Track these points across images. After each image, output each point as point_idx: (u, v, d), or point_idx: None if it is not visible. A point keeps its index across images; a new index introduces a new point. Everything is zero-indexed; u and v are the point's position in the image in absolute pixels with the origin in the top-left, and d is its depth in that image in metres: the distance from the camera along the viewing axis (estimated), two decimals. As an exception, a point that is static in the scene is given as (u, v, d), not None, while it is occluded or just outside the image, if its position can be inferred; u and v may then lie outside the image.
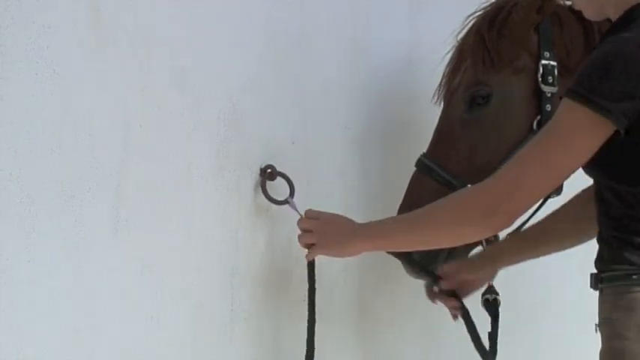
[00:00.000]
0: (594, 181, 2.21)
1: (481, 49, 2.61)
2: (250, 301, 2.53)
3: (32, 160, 2.02)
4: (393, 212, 2.62)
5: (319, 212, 2.45)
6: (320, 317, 2.52)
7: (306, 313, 2.48)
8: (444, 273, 2.64)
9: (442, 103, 2.73)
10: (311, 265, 2.50)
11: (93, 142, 2.15)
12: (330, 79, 2.79)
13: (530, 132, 2.57)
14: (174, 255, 2.35)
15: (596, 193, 2.19)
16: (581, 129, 2.07)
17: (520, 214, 2.21)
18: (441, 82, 2.72)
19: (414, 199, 2.57)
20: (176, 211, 2.35)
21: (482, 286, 2.70)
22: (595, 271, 2.23)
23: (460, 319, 2.66)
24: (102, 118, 2.17)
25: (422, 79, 2.96)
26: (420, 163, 2.63)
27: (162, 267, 2.31)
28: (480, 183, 2.23)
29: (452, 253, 2.61)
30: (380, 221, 2.41)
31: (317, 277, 2.52)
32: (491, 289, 2.68)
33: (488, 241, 2.62)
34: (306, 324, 2.49)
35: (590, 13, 2.25)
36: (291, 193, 2.54)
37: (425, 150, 2.68)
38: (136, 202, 2.25)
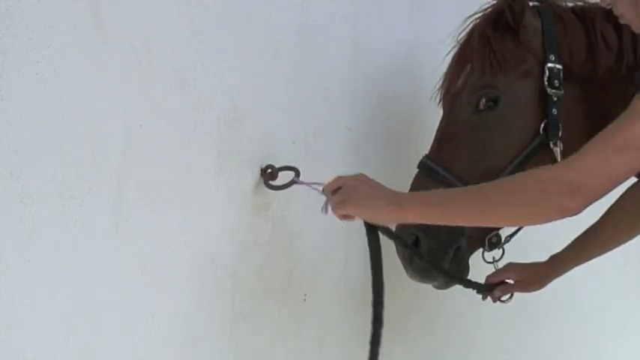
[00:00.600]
0: None
1: (487, 52, 2.59)
2: (250, 301, 2.53)
3: (33, 160, 2.02)
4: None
5: (345, 177, 2.29)
6: (320, 317, 2.52)
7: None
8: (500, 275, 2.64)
9: (442, 105, 2.72)
10: (370, 228, 2.29)
11: (93, 142, 2.15)
12: (331, 79, 2.79)
13: (537, 136, 2.56)
14: (174, 255, 2.35)
15: None
16: None
17: (596, 200, 2.10)
18: (441, 83, 2.71)
19: None
20: (177, 211, 2.35)
21: (527, 291, 2.71)
22: None
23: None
24: (102, 118, 2.17)
25: (422, 79, 2.96)
26: (422, 165, 2.62)
27: (163, 267, 2.31)
28: (555, 165, 2.15)
29: (457, 255, 2.60)
30: (427, 192, 2.29)
31: (317, 277, 2.51)
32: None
33: (491, 243, 2.62)
34: (306, 324, 2.49)
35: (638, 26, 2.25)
36: (297, 175, 2.52)
37: (426, 152, 2.66)
38: (137, 202, 2.25)
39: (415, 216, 2.23)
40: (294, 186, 2.51)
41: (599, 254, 2.80)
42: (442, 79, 2.72)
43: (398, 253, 2.59)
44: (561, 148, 2.54)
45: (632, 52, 2.53)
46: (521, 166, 2.53)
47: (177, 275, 2.35)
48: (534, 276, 2.74)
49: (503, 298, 2.69)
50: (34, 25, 2.03)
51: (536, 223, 2.23)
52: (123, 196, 2.21)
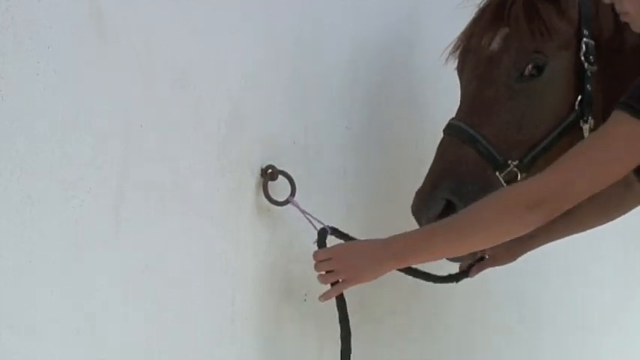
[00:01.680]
0: None
1: (536, 18, 2.50)
2: (251, 301, 2.53)
3: (33, 160, 2.02)
4: (395, 212, 2.62)
5: (330, 248, 2.39)
6: (320, 317, 2.52)
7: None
8: None
9: (467, 66, 2.60)
10: (341, 302, 2.40)
11: (94, 142, 2.15)
12: (331, 79, 2.79)
13: (572, 111, 2.51)
14: (175, 255, 2.34)
15: None
16: (633, 140, 2.12)
17: (561, 212, 2.22)
18: (463, 44, 2.60)
19: (452, 168, 2.48)
20: (177, 212, 2.35)
21: (500, 264, 2.71)
22: None
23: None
24: (103, 118, 2.17)
25: (422, 79, 2.96)
26: (454, 127, 2.51)
27: (163, 267, 2.31)
28: (524, 181, 2.29)
29: None
30: (410, 235, 2.34)
31: (316, 276, 2.52)
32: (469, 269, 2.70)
33: None
34: (306, 324, 2.49)
35: None
36: (292, 193, 2.54)
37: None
38: (137, 203, 2.25)
39: (402, 265, 2.38)
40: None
41: (572, 234, 2.81)
42: (463, 40, 2.61)
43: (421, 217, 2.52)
44: (591, 125, 2.50)
45: None
46: (556, 141, 2.49)
47: (178, 275, 2.35)
48: (506, 250, 2.75)
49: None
50: (34, 25, 2.03)
51: (514, 237, 2.34)
52: (123, 195, 2.21)
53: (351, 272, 2.34)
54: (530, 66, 2.52)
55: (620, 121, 2.15)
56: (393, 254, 2.31)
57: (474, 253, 2.59)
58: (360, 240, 2.40)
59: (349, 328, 2.42)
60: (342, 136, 2.81)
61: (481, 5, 2.62)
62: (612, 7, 2.47)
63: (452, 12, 2.77)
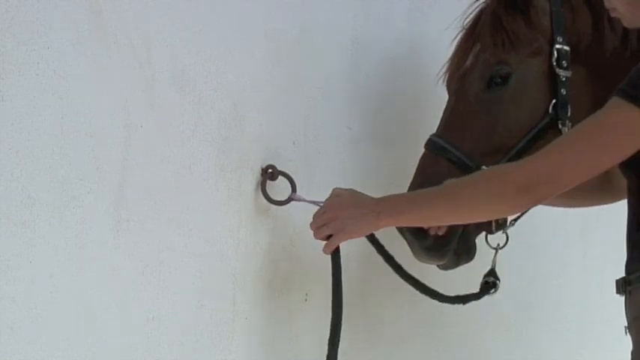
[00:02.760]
0: (629, 179, 2.24)
1: (499, 30, 2.60)
2: (251, 301, 2.53)
3: (33, 160, 2.02)
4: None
5: (325, 201, 2.40)
6: (320, 317, 2.51)
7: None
8: None
9: (449, 86, 2.71)
10: (335, 259, 2.42)
11: (94, 143, 2.15)
12: (331, 79, 2.79)
13: (546, 115, 2.58)
14: (175, 255, 2.34)
15: (632, 193, 2.23)
16: (627, 126, 2.12)
17: (549, 198, 2.26)
18: (448, 66, 2.71)
19: (426, 180, 2.54)
20: (177, 212, 2.35)
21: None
22: (623, 275, 2.26)
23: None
24: (103, 118, 2.17)
25: (422, 79, 2.96)
26: (431, 143, 2.61)
27: (164, 267, 2.31)
28: (516, 162, 2.31)
29: (464, 233, 2.59)
30: (402, 195, 2.41)
31: (316, 276, 2.51)
32: (493, 273, 2.70)
33: (497, 224, 2.63)
34: (307, 323, 2.49)
35: (631, 21, 2.27)
36: (293, 190, 2.54)
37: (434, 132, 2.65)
38: (137, 203, 2.24)
39: (391, 224, 2.39)
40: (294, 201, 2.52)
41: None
42: (449, 62, 2.72)
43: (404, 234, 2.58)
44: (569, 128, 2.56)
45: (636, 35, 2.54)
46: (530, 145, 2.55)
47: (178, 275, 2.35)
48: None
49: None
50: (34, 25, 2.03)
51: (500, 217, 2.47)
52: (123, 196, 2.21)
53: (339, 223, 2.35)
54: (495, 76, 2.60)
55: (613, 106, 2.14)
56: (382, 209, 2.33)
57: (457, 262, 2.63)
58: (353, 195, 2.40)
59: (340, 293, 2.41)
60: (342, 136, 2.81)
61: (463, 25, 2.72)
62: (590, 13, 2.57)
63: (452, 12, 2.78)
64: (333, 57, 2.80)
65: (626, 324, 2.26)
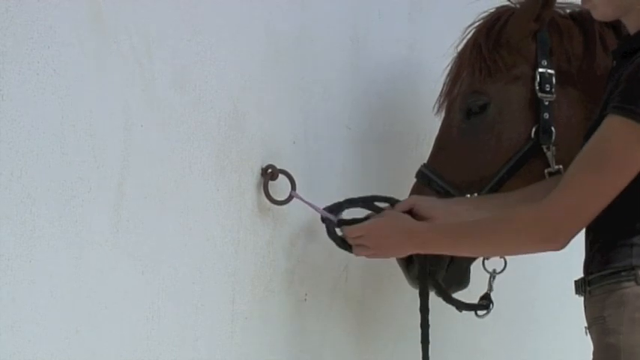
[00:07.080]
0: None
1: (478, 58, 2.60)
2: (251, 301, 2.53)
3: (33, 160, 2.02)
4: (394, 212, 2.61)
5: (362, 226, 2.48)
6: (320, 317, 2.52)
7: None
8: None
9: (441, 113, 2.72)
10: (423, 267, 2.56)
11: (94, 142, 2.15)
12: (331, 79, 2.79)
13: (529, 141, 2.56)
14: (175, 255, 2.34)
15: None
16: (632, 145, 2.10)
17: (578, 232, 2.24)
18: (441, 92, 2.72)
19: None
20: (177, 211, 2.35)
21: None
22: (580, 276, 2.25)
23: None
24: (103, 118, 2.17)
25: (422, 79, 2.96)
26: (420, 174, 2.63)
27: (163, 267, 2.31)
28: (538, 204, 2.25)
29: (452, 263, 2.60)
30: (437, 229, 2.45)
31: (317, 276, 2.51)
32: (487, 297, 2.70)
33: None
34: (306, 323, 2.49)
35: (603, 13, 2.24)
36: (293, 187, 2.54)
37: (426, 156, 2.66)
38: (137, 203, 2.25)
39: (424, 250, 2.49)
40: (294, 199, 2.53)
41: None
42: (441, 89, 2.72)
43: (397, 260, 2.61)
44: (554, 152, 2.55)
45: None
46: (513, 172, 2.56)
47: (178, 275, 2.35)
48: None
49: (480, 313, 2.73)
50: (34, 25, 2.03)
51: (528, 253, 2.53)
52: (123, 196, 2.21)
53: (380, 250, 2.48)
54: (472, 106, 2.60)
55: (613, 126, 2.11)
56: (418, 243, 2.44)
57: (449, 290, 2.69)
58: (389, 217, 2.49)
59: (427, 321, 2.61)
60: (342, 136, 2.81)
61: (456, 51, 2.72)
62: (581, 33, 2.56)
63: (452, 12, 2.78)
64: (333, 57, 2.80)
65: (586, 324, 2.25)
